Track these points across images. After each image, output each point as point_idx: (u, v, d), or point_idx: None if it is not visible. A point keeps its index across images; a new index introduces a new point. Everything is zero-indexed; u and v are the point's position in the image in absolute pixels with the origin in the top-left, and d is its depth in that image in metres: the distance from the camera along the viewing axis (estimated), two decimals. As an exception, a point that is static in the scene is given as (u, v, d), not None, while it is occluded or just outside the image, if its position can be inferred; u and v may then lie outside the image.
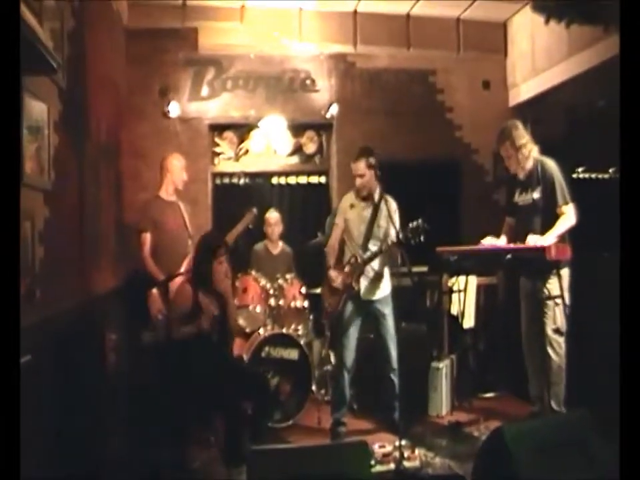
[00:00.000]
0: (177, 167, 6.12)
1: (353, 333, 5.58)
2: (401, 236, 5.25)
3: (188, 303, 4.83)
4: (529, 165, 5.35)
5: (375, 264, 5.57)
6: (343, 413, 5.61)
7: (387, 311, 5.59)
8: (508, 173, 5.64)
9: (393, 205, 5.63)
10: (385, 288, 5.66)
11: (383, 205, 5.54)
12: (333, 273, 5.61)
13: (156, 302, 5.57)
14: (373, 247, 5.55)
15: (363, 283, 5.57)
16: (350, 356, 5.57)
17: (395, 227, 5.33)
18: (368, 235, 5.56)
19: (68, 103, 4.59)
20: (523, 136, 5.39)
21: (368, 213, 5.61)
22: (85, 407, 4.68)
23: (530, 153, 5.35)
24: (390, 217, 5.42)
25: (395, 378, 5.56)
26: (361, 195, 5.65)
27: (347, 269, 5.56)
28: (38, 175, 3.87)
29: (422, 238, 5.27)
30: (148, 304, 5.63)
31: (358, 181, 5.61)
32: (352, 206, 5.68)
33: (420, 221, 5.29)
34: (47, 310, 3.86)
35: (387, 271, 5.68)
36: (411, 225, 5.30)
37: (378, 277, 5.61)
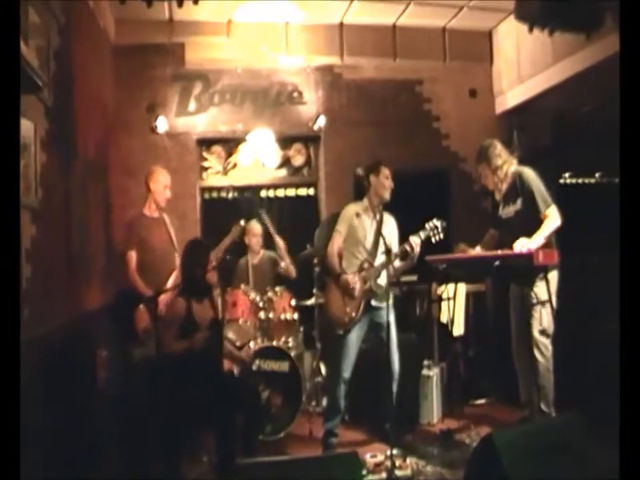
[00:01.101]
0: (159, 185, 6.04)
1: (355, 342, 5.50)
2: (422, 235, 5.39)
3: (181, 315, 4.82)
4: (506, 183, 5.39)
5: (384, 271, 5.56)
6: (336, 423, 5.55)
7: (392, 318, 5.55)
8: (487, 190, 5.69)
9: (393, 221, 5.77)
10: (390, 295, 5.67)
11: (385, 217, 5.68)
12: (350, 277, 5.50)
13: (143, 318, 5.53)
14: (380, 253, 5.56)
15: (378, 288, 5.55)
16: (349, 366, 5.49)
17: (386, 243, 5.37)
18: (376, 242, 5.55)
19: (55, 121, 4.61)
20: (499, 156, 5.41)
21: (376, 221, 5.62)
22: (77, 424, 4.68)
23: (507, 173, 5.38)
24: (387, 232, 5.58)
25: (394, 388, 5.51)
26: (382, 199, 5.64)
27: (362, 274, 5.54)
28: (25, 193, 3.88)
29: (442, 235, 5.41)
30: (135, 320, 5.61)
31: (386, 184, 5.60)
32: (358, 215, 5.66)
33: (435, 220, 5.44)
34: (37, 328, 3.86)
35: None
36: (428, 225, 5.43)
37: (387, 283, 5.62)
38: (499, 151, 5.44)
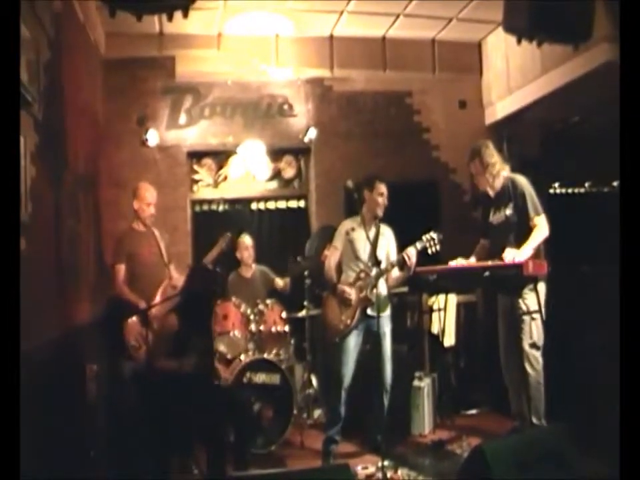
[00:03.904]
0: (143, 202, 5.96)
1: (353, 350, 5.51)
2: (418, 246, 5.43)
3: (172, 334, 4.79)
4: (498, 183, 5.40)
5: (382, 282, 5.59)
6: (337, 430, 5.53)
7: (387, 330, 5.59)
8: (478, 190, 5.70)
9: (390, 232, 5.79)
10: (388, 306, 5.69)
11: (381, 228, 5.71)
12: (346, 287, 5.54)
13: (132, 331, 5.50)
14: (377, 264, 5.56)
15: (375, 297, 5.54)
16: (348, 373, 5.50)
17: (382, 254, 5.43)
18: (373, 254, 5.53)
19: (44, 134, 4.60)
20: (492, 155, 5.43)
21: (372, 233, 5.63)
22: (67, 438, 4.66)
23: (499, 172, 5.39)
24: (385, 243, 5.66)
25: (386, 400, 5.51)
26: (375, 215, 5.68)
27: (358, 283, 5.54)
28: (14, 206, 3.87)
29: (438, 247, 5.46)
30: (125, 333, 5.56)
31: (380, 202, 5.64)
32: (353, 229, 5.69)
33: (432, 232, 5.49)
34: (26, 342, 3.85)
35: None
36: (424, 237, 5.47)
37: (385, 294, 5.64)
38: (491, 150, 5.47)
